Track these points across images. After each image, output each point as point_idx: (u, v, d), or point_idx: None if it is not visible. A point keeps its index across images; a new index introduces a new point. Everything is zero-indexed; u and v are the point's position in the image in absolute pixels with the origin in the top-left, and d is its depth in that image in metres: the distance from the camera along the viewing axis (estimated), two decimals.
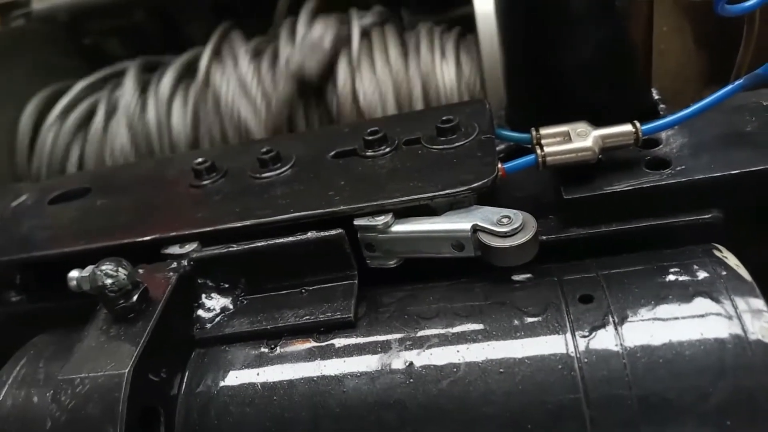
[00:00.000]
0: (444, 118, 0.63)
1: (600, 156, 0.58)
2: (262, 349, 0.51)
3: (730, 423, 0.42)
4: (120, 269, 0.49)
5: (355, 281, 0.54)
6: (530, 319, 0.48)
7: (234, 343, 0.52)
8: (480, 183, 0.55)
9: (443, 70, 0.88)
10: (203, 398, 0.49)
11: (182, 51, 1.06)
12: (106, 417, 0.43)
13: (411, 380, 0.46)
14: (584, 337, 0.46)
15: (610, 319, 0.46)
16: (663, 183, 0.57)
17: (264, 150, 0.66)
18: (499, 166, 0.57)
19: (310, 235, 0.54)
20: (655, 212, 0.57)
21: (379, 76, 0.89)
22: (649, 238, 0.56)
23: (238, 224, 0.57)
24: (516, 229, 0.52)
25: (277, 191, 0.62)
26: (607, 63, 0.63)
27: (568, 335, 0.46)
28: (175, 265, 0.54)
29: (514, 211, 0.53)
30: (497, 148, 0.63)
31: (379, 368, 0.47)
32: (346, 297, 0.53)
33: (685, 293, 0.47)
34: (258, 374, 0.49)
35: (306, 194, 0.60)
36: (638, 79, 0.66)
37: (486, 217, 0.53)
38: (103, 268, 0.49)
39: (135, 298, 0.49)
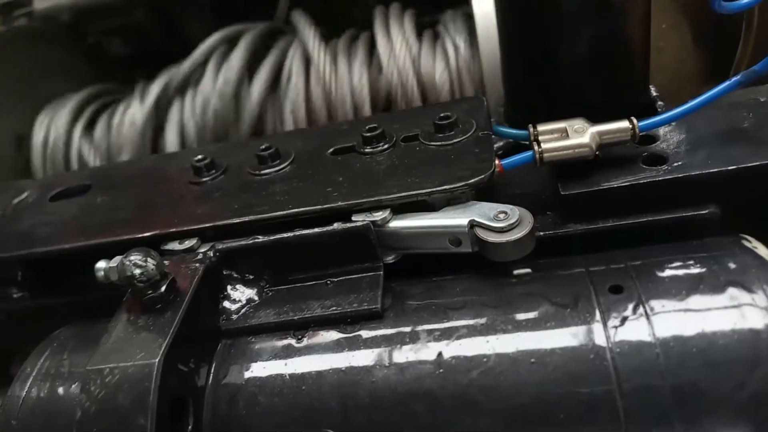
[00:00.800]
0: (441, 114, 0.63)
1: (597, 152, 0.58)
2: (289, 340, 0.51)
3: (765, 413, 0.41)
4: (149, 259, 0.49)
5: (381, 272, 0.54)
6: (561, 310, 0.48)
7: (260, 334, 0.52)
8: (477, 179, 0.55)
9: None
10: (231, 389, 0.49)
11: (183, 50, 1.07)
12: (137, 407, 0.43)
13: (441, 370, 0.46)
14: (616, 327, 0.45)
15: (642, 309, 0.46)
16: (660, 179, 0.57)
17: (263, 147, 0.66)
18: (497, 162, 0.58)
19: (336, 226, 0.54)
20: (652, 208, 0.57)
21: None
22: (646, 234, 0.57)
23: (237, 220, 0.58)
24: (512, 224, 0.52)
25: (276, 188, 0.62)
26: (604, 60, 0.63)
27: (600, 325, 0.46)
28: (201, 256, 0.54)
29: (511, 206, 0.53)
30: (495, 145, 0.63)
31: (408, 358, 0.47)
32: (372, 288, 0.53)
33: (716, 283, 0.46)
34: (286, 365, 0.49)
35: (304, 191, 0.60)
36: (636, 76, 0.66)
37: (483, 212, 0.54)
38: (132, 258, 0.49)
39: (163, 288, 0.49)
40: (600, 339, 0.45)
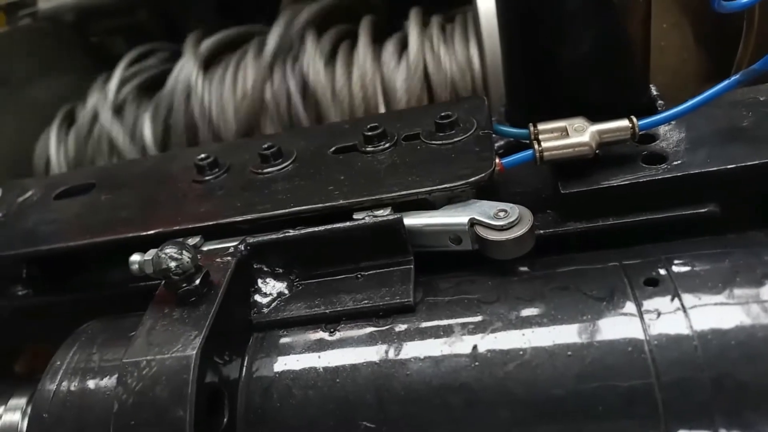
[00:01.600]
0: (442, 113, 0.64)
1: (597, 151, 0.59)
2: (321, 333, 0.51)
3: None
4: (184, 252, 0.49)
5: (412, 266, 0.54)
6: (596, 303, 0.48)
7: (292, 327, 0.53)
8: (477, 177, 0.56)
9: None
10: (265, 382, 0.49)
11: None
12: (175, 399, 0.43)
13: (476, 363, 0.47)
14: (653, 319, 0.46)
15: (678, 302, 0.46)
16: (659, 177, 0.57)
17: (265, 146, 0.67)
18: (497, 161, 0.58)
19: (367, 219, 0.54)
20: (651, 206, 0.58)
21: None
22: (646, 232, 0.57)
23: (240, 218, 0.58)
24: (512, 222, 0.52)
25: (278, 186, 0.62)
26: (605, 59, 0.63)
27: (636, 318, 0.46)
28: (232, 249, 0.54)
29: (511, 204, 0.54)
30: (496, 144, 0.63)
31: (443, 352, 0.48)
32: (404, 282, 0.53)
33: (752, 276, 0.46)
34: (319, 357, 0.50)
35: (306, 189, 0.61)
36: (636, 76, 0.67)
37: (483, 210, 0.54)
38: (167, 251, 0.49)
39: (198, 281, 0.49)
40: (637, 332, 0.45)
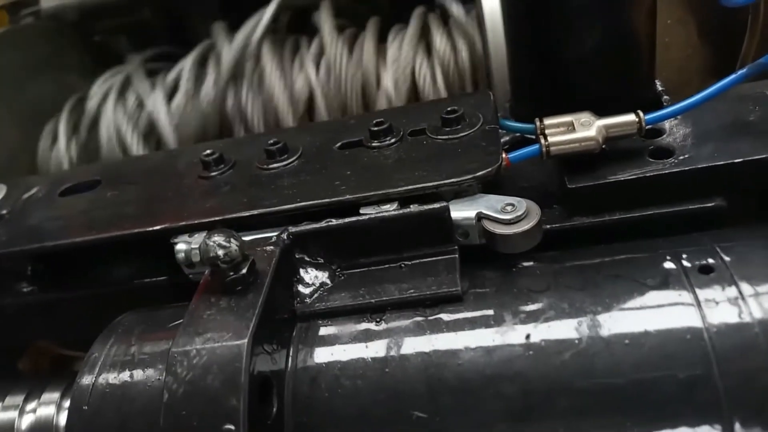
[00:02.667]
0: (448, 108, 0.64)
1: (604, 146, 0.58)
2: (367, 323, 0.51)
3: None
4: (232, 240, 0.48)
5: (456, 255, 0.54)
6: (651, 291, 0.48)
7: (336, 317, 0.52)
8: (484, 172, 0.56)
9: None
10: (312, 371, 0.49)
11: (189, 48, 1.07)
12: (228, 388, 0.43)
13: (531, 352, 0.46)
14: (711, 307, 0.45)
15: (735, 290, 0.46)
16: (666, 172, 0.57)
17: (271, 141, 0.67)
18: (504, 155, 0.58)
19: (413, 208, 0.54)
20: (658, 201, 0.58)
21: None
22: (652, 226, 0.57)
23: (246, 214, 0.58)
24: (520, 216, 0.53)
25: (285, 182, 0.62)
26: (610, 55, 0.63)
27: (694, 305, 0.46)
28: (275, 239, 0.54)
29: (518, 198, 0.54)
30: (502, 139, 0.63)
31: (495, 341, 0.47)
32: (449, 271, 0.53)
33: None
34: (367, 347, 0.49)
35: (313, 184, 0.61)
36: (642, 71, 0.67)
37: (490, 205, 0.54)
38: (215, 239, 0.48)
39: (245, 270, 0.49)
40: (695, 319, 0.45)
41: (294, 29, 1.07)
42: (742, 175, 0.56)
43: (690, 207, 0.57)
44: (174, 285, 0.64)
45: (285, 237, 0.54)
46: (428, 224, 0.54)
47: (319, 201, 0.57)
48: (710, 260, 0.48)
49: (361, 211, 0.55)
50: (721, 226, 0.55)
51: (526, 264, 0.53)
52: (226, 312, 0.47)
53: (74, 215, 0.69)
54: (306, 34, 1.02)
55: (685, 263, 0.49)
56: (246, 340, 0.44)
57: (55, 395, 0.58)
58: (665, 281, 0.48)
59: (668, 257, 0.50)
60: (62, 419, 0.57)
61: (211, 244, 0.48)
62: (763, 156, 0.56)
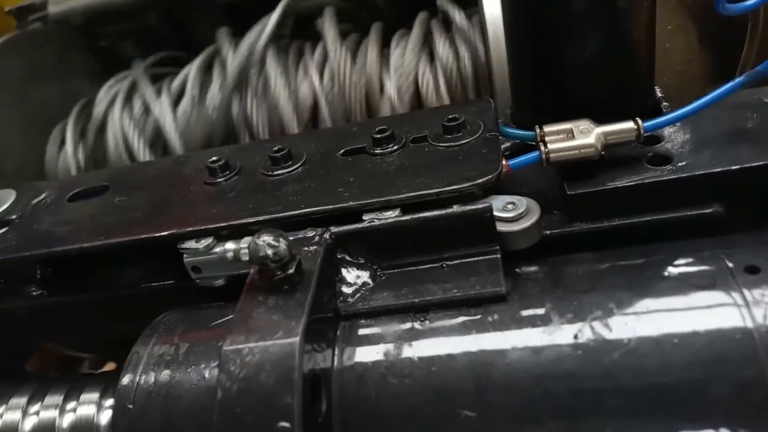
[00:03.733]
0: (450, 116, 0.65)
1: (603, 153, 0.59)
2: (411, 323, 0.51)
3: None
4: (281, 240, 0.49)
5: (498, 255, 0.54)
6: (699, 290, 0.48)
7: (379, 316, 0.53)
8: (485, 179, 0.57)
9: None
10: (358, 370, 0.50)
11: (195, 52, 1.09)
12: (282, 385, 0.43)
13: (579, 352, 0.46)
14: (759, 307, 0.45)
15: None
16: (664, 178, 0.58)
17: (276, 148, 0.68)
18: (504, 162, 0.59)
19: (456, 208, 0.54)
20: (656, 207, 0.58)
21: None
22: (651, 233, 0.58)
23: (252, 219, 0.59)
24: (521, 213, 0.54)
25: (289, 188, 0.64)
26: (610, 62, 0.64)
27: (743, 305, 0.46)
28: (318, 238, 0.54)
29: (519, 197, 0.55)
30: (503, 146, 0.64)
31: (542, 341, 0.48)
32: (492, 271, 0.53)
33: None
34: (412, 346, 0.50)
35: (316, 191, 0.62)
36: (641, 78, 0.67)
37: (492, 203, 0.55)
38: (264, 238, 0.48)
39: (292, 269, 0.49)
40: (745, 319, 0.45)
41: (298, 34, 1.09)
42: (739, 181, 0.57)
43: (688, 213, 0.57)
44: (181, 289, 0.65)
45: (327, 237, 0.54)
46: (471, 225, 0.54)
47: (323, 207, 0.58)
48: (756, 260, 0.48)
49: (364, 218, 0.56)
50: (719, 233, 0.56)
51: (568, 264, 0.54)
52: (274, 310, 0.47)
53: (83, 220, 0.70)
54: (310, 39, 1.04)
55: (730, 263, 0.49)
56: (298, 338, 0.44)
57: (95, 395, 0.60)
58: (713, 281, 0.48)
59: (713, 257, 0.50)
60: (103, 418, 0.58)
61: (261, 243, 0.48)
62: (761, 163, 0.56)
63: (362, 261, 0.56)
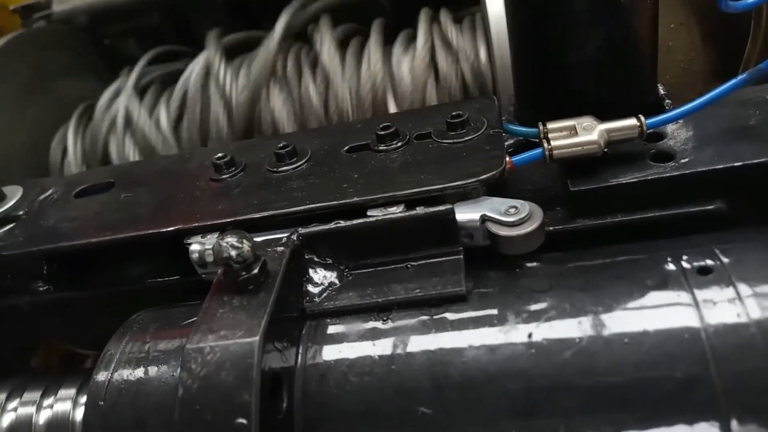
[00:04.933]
0: (453, 113, 0.65)
1: (606, 149, 0.60)
2: (374, 322, 0.52)
3: None
4: (244, 241, 0.50)
5: (461, 256, 0.55)
6: (651, 292, 0.49)
7: (344, 316, 0.54)
8: (488, 175, 0.57)
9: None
10: (320, 368, 0.51)
11: (197, 51, 1.09)
12: (240, 383, 0.44)
13: (533, 351, 0.48)
14: (709, 308, 0.46)
15: (733, 290, 0.47)
16: (667, 175, 0.58)
17: (281, 145, 0.68)
18: (507, 159, 0.59)
19: (419, 210, 0.55)
20: (659, 203, 0.59)
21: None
22: (653, 229, 0.58)
23: (257, 215, 0.60)
24: (523, 218, 0.54)
25: (294, 184, 0.64)
26: (613, 60, 0.64)
27: (692, 306, 0.47)
28: (285, 240, 0.56)
29: (521, 201, 0.55)
30: (506, 143, 0.65)
31: (498, 340, 0.49)
32: (454, 271, 0.54)
33: None
34: (374, 345, 0.51)
35: (321, 187, 0.62)
36: (644, 75, 0.68)
37: (494, 207, 0.55)
38: (228, 240, 0.50)
39: (256, 270, 0.50)
40: (693, 320, 0.46)
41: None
42: (742, 178, 0.57)
43: (691, 210, 0.58)
44: (186, 284, 0.65)
45: (295, 238, 0.56)
46: (434, 226, 0.55)
47: (328, 203, 0.59)
48: (709, 261, 0.49)
49: (369, 213, 0.57)
50: (722, 229, 0.56)
51: (529, 265, 0.55)
52: (238, 310, 0.49)
53: (89, 216, 0.71)
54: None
55: (685, 264, 0.50)
56: (258, 338, 0.46)
57: (72, 391, 0.60)
58: (664, 282, 0.49)
59: (668, 258, 0.51)
60: (78, 415, 0.59)
61: (224, 244, 0.50)
62: (763, 159, 0.57)
63: (330, 261, 0.57)
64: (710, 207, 0.58)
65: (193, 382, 0.45)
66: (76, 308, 0.73)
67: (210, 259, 0.53)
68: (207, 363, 0.46)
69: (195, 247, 0.55)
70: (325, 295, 0.56)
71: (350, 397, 0.49)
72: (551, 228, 0.60)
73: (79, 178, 0.81)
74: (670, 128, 0.64)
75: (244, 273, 0.50)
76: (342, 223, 0.56)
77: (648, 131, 0.59)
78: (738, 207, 0.58)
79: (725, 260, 0.49)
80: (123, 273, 0.71)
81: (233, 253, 0.49)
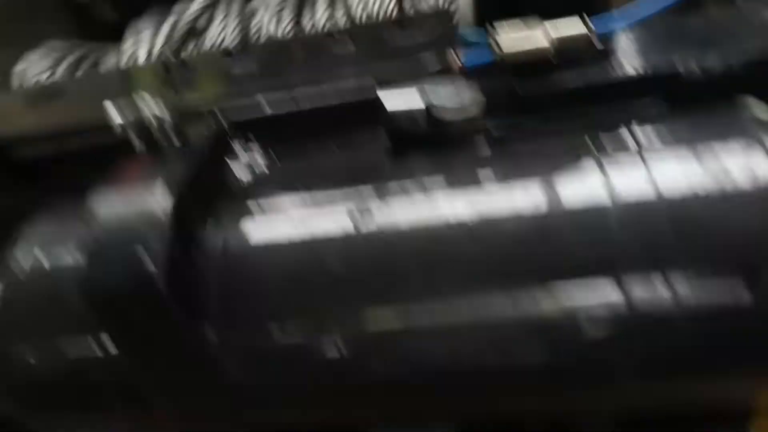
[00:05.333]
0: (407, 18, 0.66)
1: (554, 53, 0.60)
2: (296, 202, 0.53)
3: None
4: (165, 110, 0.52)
5: (385, 135, 0.56)
6: (556, 160, 0.51)
7: (268, 196, 0.54)
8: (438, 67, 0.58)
9: None
10: (241, 246, 0.51)
11: None
12: (149, 255, 0.45)
13: (451, 222, 0.49)
14: (614, 168, 0.48)
15: (638, 156, 0.49)
16: (612, 76, 0.60)
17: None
18: (456, 57, 0.60)
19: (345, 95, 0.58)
20: (602, 103, 0.60)
21: None
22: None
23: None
24: (465, 104, 0.55)
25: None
26: None
27: (597, 170, 0.49)
28: (212, 119, 0.57)
29: (464, 86, 0.56)
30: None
31: (412, 215, 0.50)
32: (379, 150, 0.55)
33: (710, 133, 0.49)
34: (294, 222, 0.51)
35: None
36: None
37: (437, 93, 0.56)
38: (150, 104, 0.52)
39: (177, 139, 0.52)
40: (599, 181, 0.48)
41: None
42: (683, 82, 0.59)
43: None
44: None
45: (222, 119, 0.57)
46: (358, 109, 0.57)
47: None
48: (622, 129, 0.52)
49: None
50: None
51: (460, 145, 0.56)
52: (154, 178, 0.49)
53: None
54: None
55: (594, 131, 0.52)
56: (171, 205, 0.46)
57: None
58: (573, 149, 0.51)
59: (579, 127, 0.54)
60: None
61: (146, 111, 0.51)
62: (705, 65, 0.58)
63: (257, 144, 0.59)
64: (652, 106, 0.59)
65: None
66: None
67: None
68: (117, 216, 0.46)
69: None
70: (251, 177, 0.57)
71: (269, 270, 0.50)
72: (499, 123, 0.60)
73: None
74: (618, 34, 0.64)
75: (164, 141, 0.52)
76: (268, 110, 0.58)
77: (597, 35, 0.60)
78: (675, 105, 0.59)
79: (634, 128, 0.52)
80: None
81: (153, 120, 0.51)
